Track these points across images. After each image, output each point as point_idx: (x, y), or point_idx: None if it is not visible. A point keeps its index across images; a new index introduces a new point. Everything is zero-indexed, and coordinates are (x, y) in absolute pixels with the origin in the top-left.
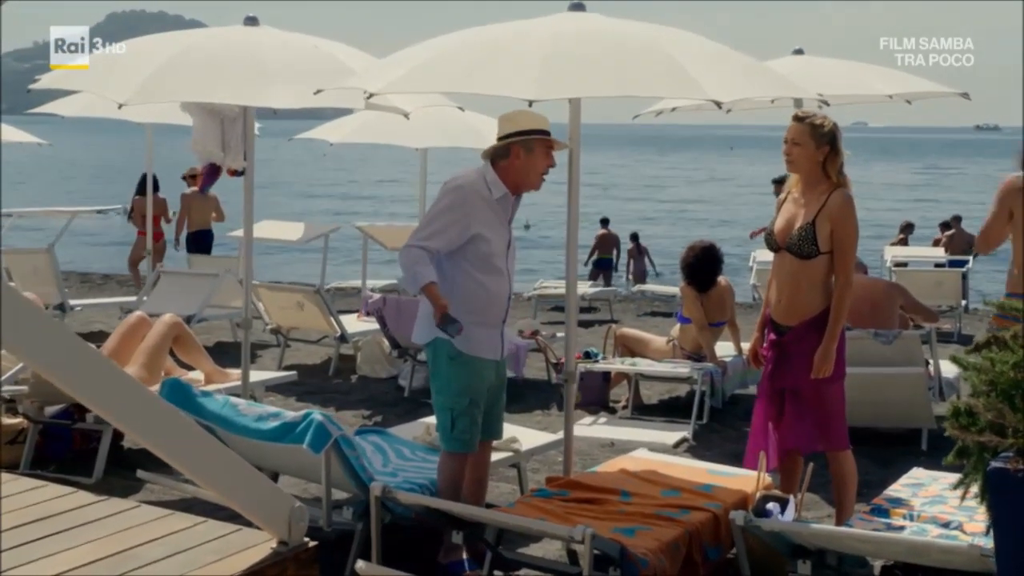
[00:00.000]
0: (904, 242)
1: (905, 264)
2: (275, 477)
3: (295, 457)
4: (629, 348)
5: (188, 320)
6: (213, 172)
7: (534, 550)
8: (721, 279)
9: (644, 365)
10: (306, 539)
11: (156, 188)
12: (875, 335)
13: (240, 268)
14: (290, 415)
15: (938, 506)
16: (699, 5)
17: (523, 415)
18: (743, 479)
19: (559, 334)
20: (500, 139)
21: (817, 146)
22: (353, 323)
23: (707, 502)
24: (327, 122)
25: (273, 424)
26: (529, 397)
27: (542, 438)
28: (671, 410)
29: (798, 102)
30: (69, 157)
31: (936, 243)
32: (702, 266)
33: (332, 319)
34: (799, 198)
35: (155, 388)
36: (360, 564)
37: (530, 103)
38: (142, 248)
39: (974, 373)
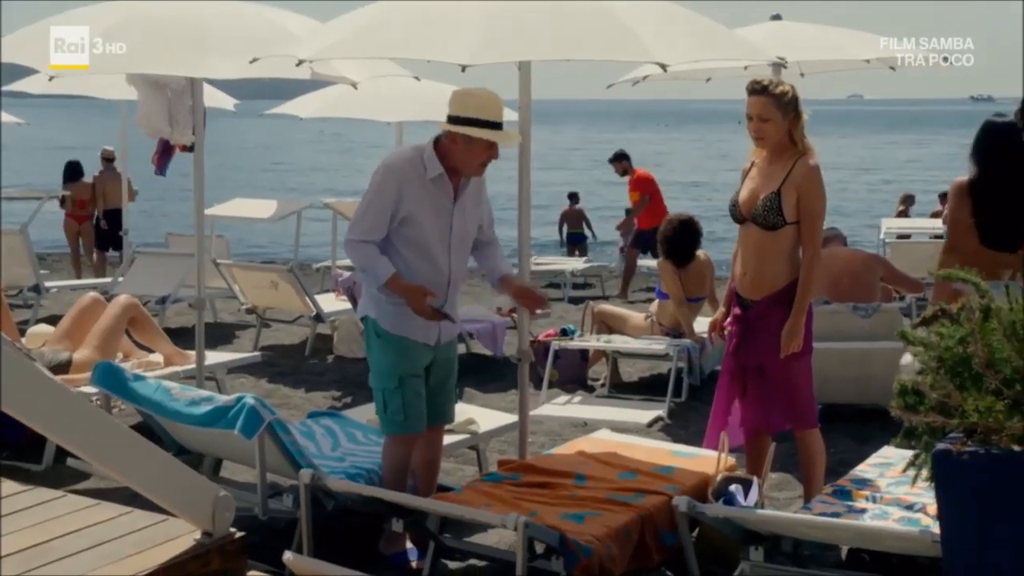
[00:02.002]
0: (905, 214)
1: (908, 236)
2: (219, 462)
3: (230, 442)
4: (607, 325)
5: (163, 300)
6: (167, 151)
7: (487, 537)
8: (700, 253)
9: (620, 342)
10: (232, 529)
11: (81, 174)
12: (854, 308)
13: (212, 248)
14: (223, 399)
15: (904, 487)
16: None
17: (499, 394)
18: (706, 460)
19: (538, 311)
20: (450, 118)
21: (784, 116)
22: (331, 302)
23: (665, 485)
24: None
25: (206, 409)
26: (508, 376)
27: (502, 419)
28: (651, 388)
29: (777, 68)
30: (43, 136)
31: (936, 215)
32: (680, 240)
33: (307, 298)
34: (764, 167)
35: None
36: (287, 555)
37: (463, 68)
38: (74, 231)
39: (921, 349)
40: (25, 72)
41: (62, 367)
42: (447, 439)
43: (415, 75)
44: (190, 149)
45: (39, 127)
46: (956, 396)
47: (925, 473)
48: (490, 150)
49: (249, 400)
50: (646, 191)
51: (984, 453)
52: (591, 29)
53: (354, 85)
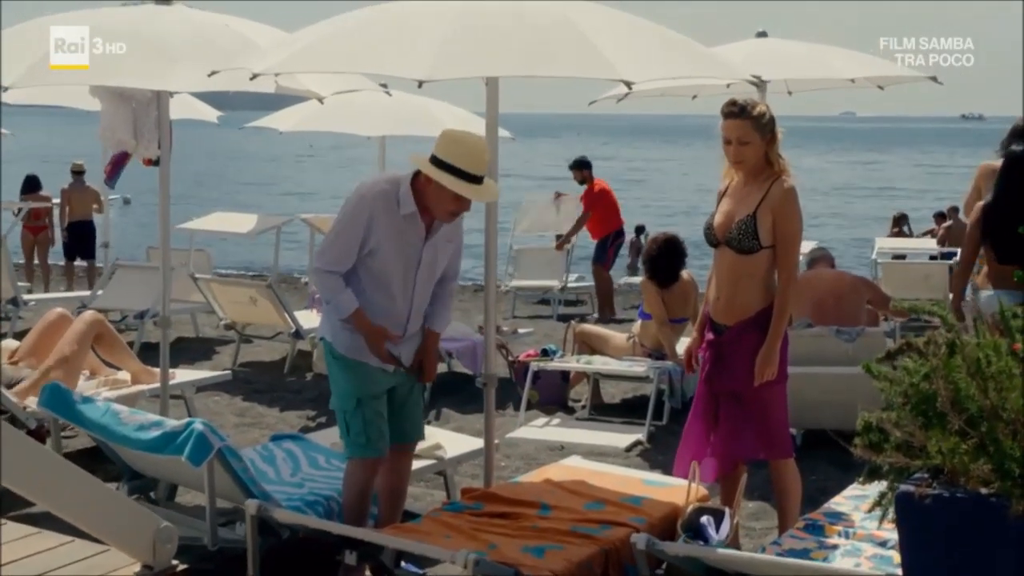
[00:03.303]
0: (900, 234)
1: (903, 256)
2: (175, 487)
3: (181, 468)
4: (589, 345)
5: (143, 315)
6: (119, 162)
7: (449, 568)
8: (684, 273)
9: (600, 363)
10: (175, 562)
11: (39, 187)
12: (837, 332)
13: (192, 262)
14: (171, 424)
15: (877, 521)
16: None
17: (478, 415)
18: (677, 490)
19: (522, 330)
20: (431, 157)
21: (762, 137)
22: (311, 319)
23: (632, 516)
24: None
25: (154, 434)
26: None
27: (470, 444)
28: (633, 410)
29: (762, 86)
30: (23, 145)
31: (932, 234)
32: (663, 260)
33: (286, 315)
34: (739, 189)
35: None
36: None
37: (420, 84)
38: (30, 242)
39: (886, 384)
40: None
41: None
42: (414, 465)
43: (386, 90)
44: (156, 163)
45: (24, 137)
46: (920, 435)
47: (892, 513)
48: (459, 202)
49: (198, 426)
50: (593, 208)
51: (949, 496)
52: (554, 45)
53: (320, 99)
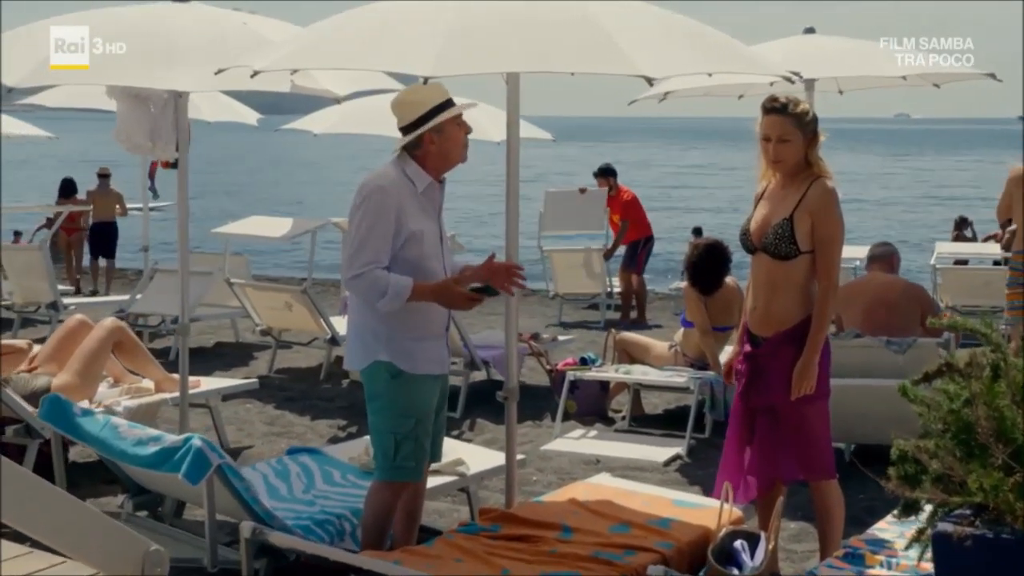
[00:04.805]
0: (961, 238)
1: (966, 262)
2: (183, 503)
3: (181, 484)
4: (629, 354)
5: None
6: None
7: None
8: (728, 280)
9: (639, 373)
10: None
11: (75, 190)
12: (887, 343)
13: (227, 266)
14: (170, 439)
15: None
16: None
17: None
18: (709, 512)
19: (563, 337)
20: (403, 128)
21: (804, 137)
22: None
23: (659, 541)
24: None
25: (152, 449)
26: (525, 405)
27: (494, 459)
28: (675, 421)
29: (809, 83)
30: (66, 149)
31: (996, 239)
32: (707, 266)
33: (322, 320)
34: (776, 191)
35: (81, 401)
36: None
37: (424, 80)
38: (65, 243)
39: (924, 409)
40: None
41: (38, 393)
42: (434, 481)
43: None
44: (173, 166)
45: (67, 140)
46: (959, 469)
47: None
48: (463, 127)
49: (196, 442)
50: (628, 216)
51: (992, 537)
52: (567, 39)
53: (338, 100)
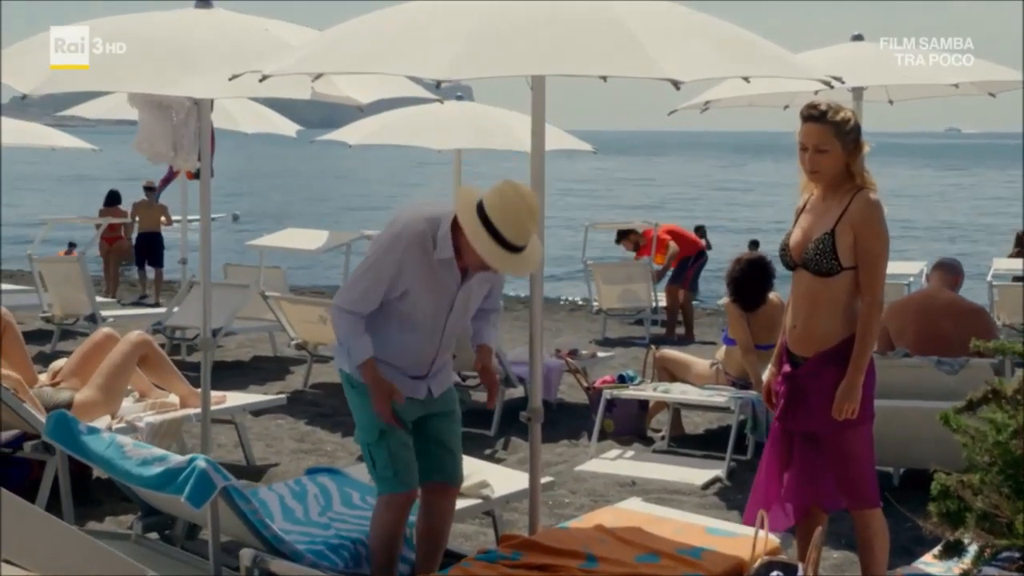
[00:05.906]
0: (1021, 255)
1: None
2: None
3: (186, 507)
4: (669, 371)
5: (216, 332)
6: (169, 178)
7: None
8: (772, 296)
9: (678, 392)
10: None
11: (119, 201)
12: (938, 363)
13: (261, 279)
14: (175, 460)
15: None
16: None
17: (548, 444)
18: (745, 541)
19: (602, 354)
20: (477, 205)
21: (844, 147)
22: None
23: (688, 572)
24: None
25: (157, 470)
26: (561, 423)
27: (520, 481)
28: (715, 442)
29: (858, 92)
30: (110, 161)
31: None
32: (749, 282)
33: None
34: (817, 205)
35: (103, 416)
36: None
37: (438, 84)
38: (105, 251)
39: (967, 440)
40: (85, 96)
41: (61, 407)
42: (458, 504)
43: (438, 98)
44: (196, 176)
45: (111, 152)
46: (1007, 508)
47: None
48: (486, 266)
49: (200, 463)
50: (672, 240)
51: None
52: (588, 42)
53: (360, 107)
